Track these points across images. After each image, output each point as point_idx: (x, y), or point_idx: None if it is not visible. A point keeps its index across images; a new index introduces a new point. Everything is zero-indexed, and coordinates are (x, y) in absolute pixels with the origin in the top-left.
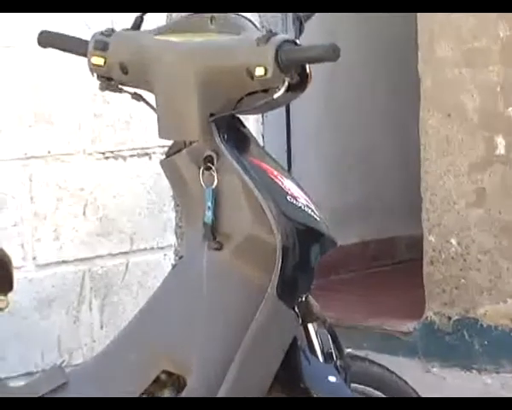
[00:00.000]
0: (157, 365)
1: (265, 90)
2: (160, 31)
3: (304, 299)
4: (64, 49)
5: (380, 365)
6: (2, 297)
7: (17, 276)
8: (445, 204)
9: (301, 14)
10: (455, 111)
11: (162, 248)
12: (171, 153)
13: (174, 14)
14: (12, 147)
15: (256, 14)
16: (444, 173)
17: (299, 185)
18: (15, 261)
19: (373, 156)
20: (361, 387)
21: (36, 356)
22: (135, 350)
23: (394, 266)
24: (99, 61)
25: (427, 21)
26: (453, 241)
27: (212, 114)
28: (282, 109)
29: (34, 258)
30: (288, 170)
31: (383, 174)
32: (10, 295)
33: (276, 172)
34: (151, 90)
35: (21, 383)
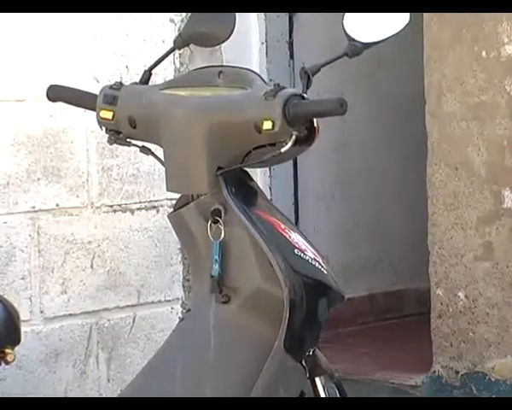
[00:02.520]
0: None
1: (273, 144)
2: (169, 85)
3: (311, 353)
4: (73, 103)
5: None
6: (9, 350)
7: (24, 329)
8: (453, 258)
9: (308, 68)
10: (462, 165)
11: (169, 301)
12: (179, 206)
13: (182, 69)
14: (20, 200)
15: (264, 68)
16: (451, 227)
17: (306, 239)
18: (23, 314)
19: (380, 211)
20: None
21: None
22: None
23: (402, 319)
24: (108, 114)
25: (435, 76)
26: (461, 294)
27: (219, 168)
28: (290, 162)
29: (42, 311)
30: (296, 223)
31: (391, 229)
32: (17, 348)
33: (283, 226)
34: (159, 144)
35: None
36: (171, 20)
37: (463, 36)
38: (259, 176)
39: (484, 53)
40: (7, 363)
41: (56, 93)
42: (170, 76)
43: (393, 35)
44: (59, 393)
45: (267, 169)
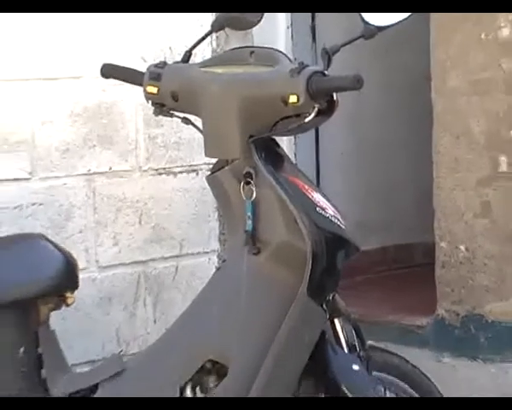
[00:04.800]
0: (203, 355)
1: (298, 115)
2: (206, 63)
3: (331, 297)
4: (123, 80)
5: (397, 355)
6: (69, 295)
7: (82, 276)
8: (455, 215)
9: (329, 48)
10: (463, 134)
11: (207, 252)
12: (216, 169)
13: (218, 49)
14: (78, 164)
15: (289, 49)
16: (453, 188)
17: (327, 198)
18: (80, 263)
19: (391, 175)
20: (381, 374)
21: (97, 347)
22: (183, 342)
23: (410, 269)
24: (153, 89)
25: (440, 56)
26: (462, 247)
27: (251, 136)
28: (312, 131)
29: (96, 261)
30: (317, 185)
31: (400, 190)
32: (76, 293)
33: (306, 187)
34: (198, 115)
35: (85, 369)
36: None
37: (466, 20)
38: (285, 143)
39: (483, 35)
40: (67, 305)
41: (109, 71)
42: (207, 56)
43: (404, 19)
44: (111, 332)
45: (292, 137)
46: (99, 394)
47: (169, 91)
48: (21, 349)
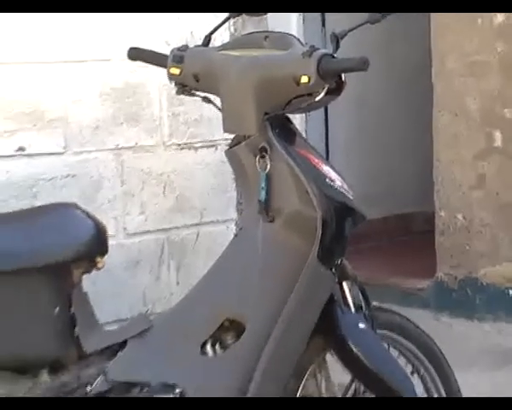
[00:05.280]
0: (222, 314)
1: (309, 94)
2: (225, 47)
3: (339, 262)
4: (148, 62)
5: (400, 315)
6: (99, 259)
7: (111, 242)
8: (453, 187)
9: (337, 33)
10: (461, 112)
11: (225, 221)
12: (233, 144)
13: (235, 34)
14: (107, 140)
15: (301, 34)
16: (451, 162)
17: (335, 170)
18: (110, 231)
19: (393, 150)
20: (384, 332)
21: (125, 307)
22: (204, 302)
23: (412, 236)
24: (176, 71)
25: (439, 40)
26: (459, 216)
27: (266, 113)
28: (322, 110)
29: (124, 228)
30: (326, 158)
31: (403, 165)
32: (106, 257)
33: (317, 160)
34: (217, 94)
35: (114, 327)
36: None
37: None
38: (297, 120)
39: (479, 21)
40: (98, 269)
41: (135, 54)
42: (226, 40)
43: None
44: (138, 293)
45: (304, 115)
46: (127, 349)
47: (191, 72)
48: (56, 309)
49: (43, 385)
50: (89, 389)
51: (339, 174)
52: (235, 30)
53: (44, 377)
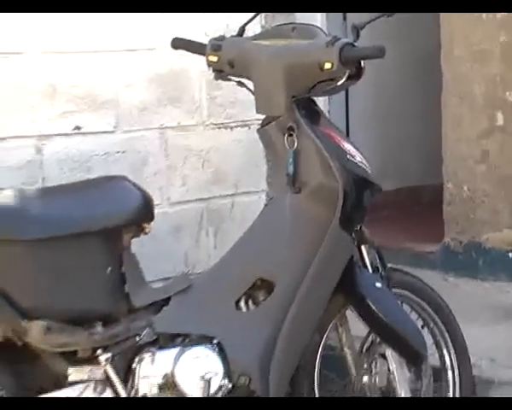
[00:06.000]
0: (254, 274)
1: (331, 79)
2: (257, 37)
3: (358, 228)
4: (189, 50)
5: (412, 275)
6: (146, 225)
7: (156, 211)
8: (459, 161)
9: (357, 24)
10: (467, 95)
11: (257, 192)
12: (264, 124)
13: (266, 25)
14: (153, 120)
15: (324, 25)
16: (458, 140)
17: (355, 147)
18: (155, 200)
19: (406, 129)
20: (398, 290)
21: (169, 267)
22: (239, 264)
23: (422, 206)
24: (214, 58)
25: (448, 30)
26: (465, 188)
27: (293, 96)
28: (343, 93)
29: (168, 198)
30: (347, 137)
31: (414, 142)
32: (152, 224)
33: (339, 138)
34: (250, 79)
35: (160, 285)
36: None
37: None
38: (321, 103)
39: (484, 13)
40: (145, 234)
41: (178, 43)
42: (257, 31)
43: None
44: (180, 255)
45: (327, 98)
46: (171, 304)
47: (227, 60)
48: (109, 269)
49: (97, 336)
50: (137, 339)
51: (358, 150)
52: (266, 22)
53: (98, 328)
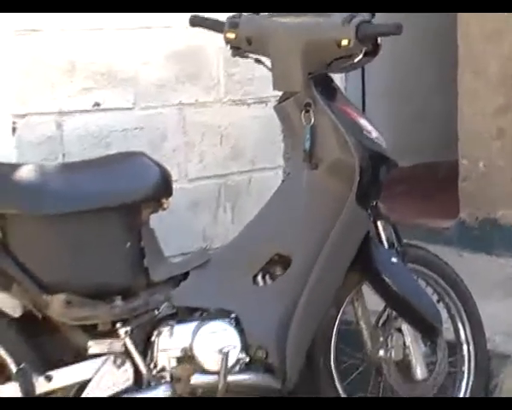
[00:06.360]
0: (271, 249)
1: (348, 56)
2: (273, 14)
3: (374, 204)
4: (207, 28)
5: (427, 250)
6: (165, 200)
7: (174, 186)
8: (475, 138)
9: None
10: (482, 71)
11: (274, 168)
12: (282, 100)
13: None
14: (171, 97)
15: None
16: (474, 116)
17: (371, 123)
18: (174, 176)
19: (422, 106)
20: (414, 266)
21: (187, 242)
22: (256, 239)
23: (438, 182)
24: (232, 35)
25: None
26: (480, 164)
27: (310, 73)
28: (359, 70)
29: (186, 174)
30: (363, 113)
31: (429, 118)
32: (170, 199)
33: (355, 114)
34: (268, 56)
35: (179, 260)
36: None
37: None
38: (338, 79)
39: None
40: (163, 209)
41: (196, 21)
42: None
43: None
44: (198, 231)
45: (343, 75)
46: (189, 279)
47: (244, 37)
48: (128, 244)
49: (117, 309)
50: (156, 313)
51: (374, 126)
52: None
53: (118, 302)
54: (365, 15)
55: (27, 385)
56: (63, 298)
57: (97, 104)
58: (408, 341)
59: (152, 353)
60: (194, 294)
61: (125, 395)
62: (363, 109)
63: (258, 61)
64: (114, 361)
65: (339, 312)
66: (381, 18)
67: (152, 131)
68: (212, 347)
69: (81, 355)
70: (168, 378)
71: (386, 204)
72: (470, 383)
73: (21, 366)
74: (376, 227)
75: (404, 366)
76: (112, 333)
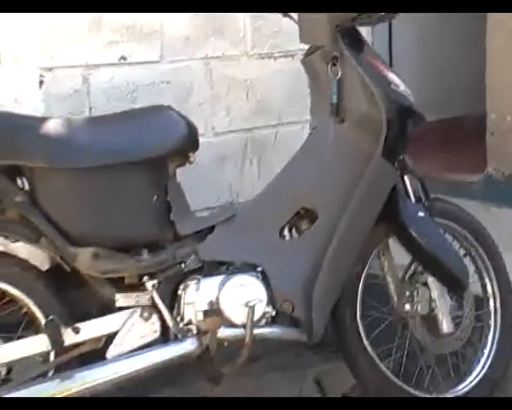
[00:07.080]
0: (298, 203)
1: None
2: None
3: (401, 158)
4: None
5: (454, 204)
6: (191, 154)
7: (201, 140)
8: (502, 92)
9: None
10: (511, 27)
11: (301, 122)
12: (308, 54)
13: None
14: (198, 50)
15: None
16: (502, 69)
17: (399, 77)
18: (200, 130)
19: (451, 58)
20: (441, 220)
21: (214, 197)
22: (282, 193)
23: (465, 136)
24: None
25: None
26: (508, 118)
27: (337, 26)
28: (387, 24)
29: (212, 128)
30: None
31: (457, 73)
32: (196, 153)
33: (382, 67)
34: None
35: (205, 214)
36: None
37: None
38: (365, 33)
39: None
40: (190, 163)
41: None
42: None
43: None
44: (225, 185)
45: (370, 28)
46: (215, 233)
47: None
48: (154, 197)
49: (143, 263)
50: (183, 266)
51: (402, 80)
52: None
53: (145, 255)
54: None
55: (56, 337)
56: (90, 251)
57: (124, 58)
58: (434, 295)
59: (178, 306)
60: (220, 248)
61: (152, 348)
62: (390, 64)
63: (286, 15)
64: (141, 314)
65: (365, 266)
66: None
67: (178, 84)
68: (238, 300)
69: (108, 308)
70: (195, 331)
71: (413, 158)
72: (496, 337)
73: (50, 318)
74: (403, 181)
75: (431, 320)
76: (139, 286)
